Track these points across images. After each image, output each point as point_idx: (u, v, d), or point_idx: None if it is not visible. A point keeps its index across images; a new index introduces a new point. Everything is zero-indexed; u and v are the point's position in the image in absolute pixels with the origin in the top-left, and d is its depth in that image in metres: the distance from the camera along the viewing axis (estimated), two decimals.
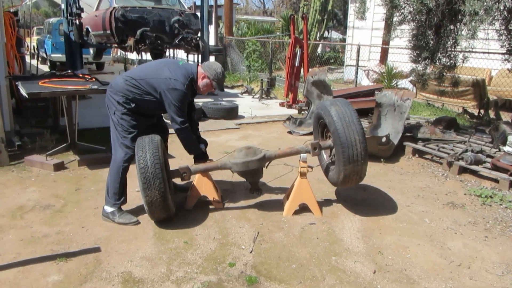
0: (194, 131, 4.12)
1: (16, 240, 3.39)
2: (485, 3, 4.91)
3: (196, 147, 4.01)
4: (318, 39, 16.95)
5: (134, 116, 3.71)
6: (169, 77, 3.64)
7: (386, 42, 11.42)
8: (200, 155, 4.08)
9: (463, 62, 6.27)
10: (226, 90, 12.34)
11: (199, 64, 3.89)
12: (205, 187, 4.02)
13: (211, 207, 4.09)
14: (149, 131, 3.76)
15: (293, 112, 9.05)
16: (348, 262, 3.24)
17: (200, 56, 11.04)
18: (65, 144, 5.52)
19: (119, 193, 3.75)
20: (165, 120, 4.22)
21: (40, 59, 17.24)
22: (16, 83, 5.39)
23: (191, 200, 4.04)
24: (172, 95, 3.63)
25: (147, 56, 11.91)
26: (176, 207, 3.80)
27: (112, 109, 3.71)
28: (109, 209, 3.75)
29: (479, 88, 8.51)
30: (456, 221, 4.01)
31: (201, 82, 3.81)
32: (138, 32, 8.97)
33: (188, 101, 3.86)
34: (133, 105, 3.69)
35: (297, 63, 9.59)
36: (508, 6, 5.39)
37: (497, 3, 5.14)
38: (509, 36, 5.87)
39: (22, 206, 4.05)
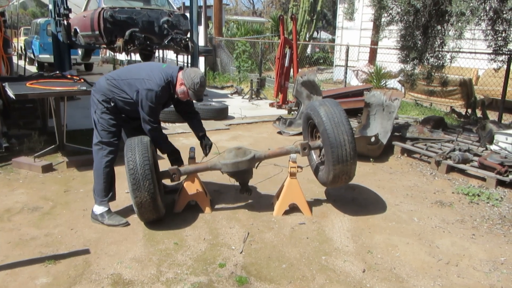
0: (198, 126, 4.18)
1: (3, 243, 3.36)
2: (471, 4, 4.97)
3: (167, 145, 3.98)
4: (307, 39, 17.00)
5: (113, 115, 3.73)
6: (145, 78, 3.63)
7: (374, 42, 11.49)
8: (173, 152, 4.01)
9: (450, 62, 6.35)
10: (216, 90, 12.33)
11: (182, 69, 3.82)
12: (194, 190, 4.02)
13: None
14: (138, 133, 3.76)
15: (283, 112, 9.07)
16: (338, 261, 3.26)
17: (189, 56, 11.01)
18: (53, 146, 5.48)
19: (106, 189, 3.75)
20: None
21: (27, 60, 17.07)
22: (3, 84, 5.33)
23: (180, 203, 4.03)
24: (145, 96, 3.59)
25: (136, 57, 11.85)
26: (166, 208, 3.79)
27: (94, 108, 3.75)
28: (98, 210, 3.74)
29: (466, 87, 8.61)
30: (444, 219, 4.05)
31: (178, 88, 3.73)
32: (127, 32, 8.91)
33: (164, 103, 3.82)
34: (112, 104, 3.71)
35: (286, 64, 9.61)
36: (493, 6, 5.46)
37: (483, 4, 5.21)
38: (495, 36, 5.95)
39: (9, 208, 4.01)
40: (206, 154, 4.18)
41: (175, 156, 4.03)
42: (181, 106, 4.10)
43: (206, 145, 4.17)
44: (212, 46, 15.94)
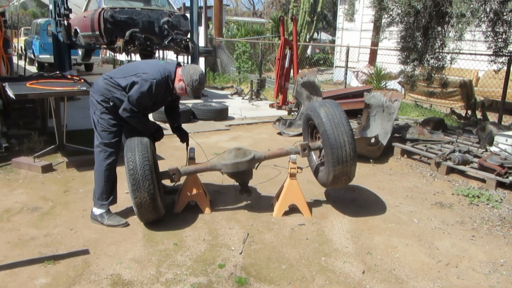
0: (176, 118, 4.19)
1: (3, 243, 3.35)
2: (471, 5, 4.97)
3: (151, 125, 3.95)
4: (307, 40, 17.01)
5: (113, 115, 3.67)
6: (141, 71, 3.60)
7: (375, 43, 11.51)
8: (157, 130, 4.01)
9: (450, 63, 6.35)
10: (216, 91, 12.33)
11: (181, 65, 3.78)
12: (193, 191, 4.01)
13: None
14: (137, 133, 3.74)
15: (283, 113, 9.06)
16: (338, 262, 3.25)
17: (190, 57, 11.02)
18: (53, 146, 5.47)
19: (106, 192, 3.73)
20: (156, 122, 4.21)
21: (27, 60, 17.08)
22: (3, 85, 5.33)
23: (180, 203, 4.02)
24: (139, 85, 3.53)
25: (136, 57, 11.86)
26: (165, 208, 3.78)
27: (93, 109, 3.71)
28: (97, 211, 3.73)
29: (466, 89, 8.62)
30: (444, 220, 4.05)
31: (177, 84, 3.66)
32: (127, 33, 8.92)
33: (161, 100, 3.78)
34: (111, 104, 3.65)
35: (286, 65, 9.60)
36: (494, 8, 5.46)
37: (483, 5, 5.21)
38: (495, 38, 5.95)
39: (9, 208, 4.00)
40: (187, 144, 4.19)
41: (159, 133, 4.01)
42: (169, 103, 4.10)
43: (182, 136, 4.20)
44: (212, 47, 15.95)
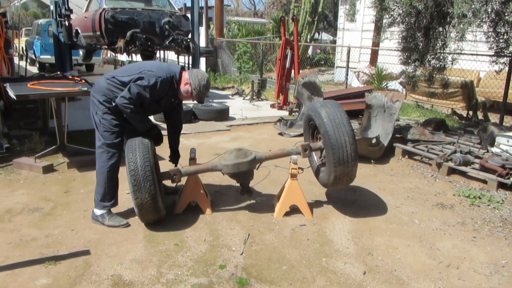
0: (175, 137, 4.17)
1: (4, 244, 3.35)
2: (473, 6, 4.97)
3: (147, 121, 3.80)
4: (308, 40, 17.01)
5: (115, 115, 3.64)
6: (146, 70, 3.59)
7: (376, 44, 11.49)
8: (152, 127, 3.85)
9: (452, 64, 6.34)
10: (217, 91, 12.34)
11: (187, 69, 3.77)
12: (194, 191, 4.01)
13: None
14: (139, 134, 3.71)
15: (284, 113, 9.06)
16: (339, 263, 3.25)
17: (190, 57, 11.01)
18: (54, 146, 5.48)
19: (109, 194, 3.72)
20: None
21: (29, 60, 17.10)
22: (4, 85, 5.33)
23: (181, 204, 4.02)
24: (144, 79, 3.51)
25: (137, 57, 11.87)
26: (166, 209, 3.78)
27: (94, 109, 3.68)
28: (98, 212, 3.73)
29: (467, 89, 8.60)
30: (445, 221, 4.04)
31: (183, 87, 3.69)
32: (128, 33, 8.93)
33: (159, 98, 3.71)
34: (113, 104, 3.61)
35: (287, 65, 9.60)
36: (495, 8, 5.46)
37: (484, 6, 5.20)
38: (496, 38, 5.94)
39: (10, 209, 4.00)
40: (175, 165, 4.22)
41: (155, 131, 3.91)
42: (171, 112, 4.08)
43: (174, 157, 4.24)
44: (213, 47, 15.96)
